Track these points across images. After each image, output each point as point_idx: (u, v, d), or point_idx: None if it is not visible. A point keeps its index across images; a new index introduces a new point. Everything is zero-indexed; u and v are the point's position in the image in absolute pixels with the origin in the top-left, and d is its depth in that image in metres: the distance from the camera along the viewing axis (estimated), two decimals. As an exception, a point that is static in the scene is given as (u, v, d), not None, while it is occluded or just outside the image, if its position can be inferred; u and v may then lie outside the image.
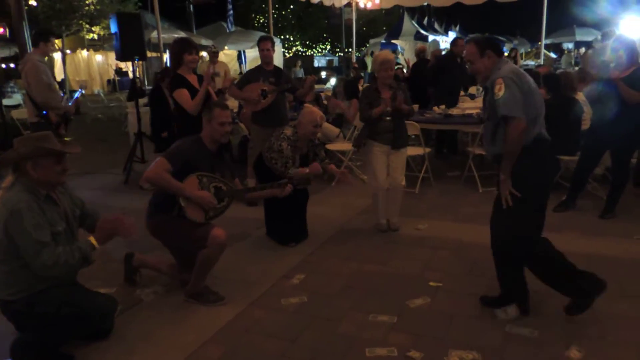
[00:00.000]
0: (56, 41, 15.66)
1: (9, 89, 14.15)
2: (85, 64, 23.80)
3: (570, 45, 24.77)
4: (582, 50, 19.23)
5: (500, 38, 24.03)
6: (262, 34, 18.87)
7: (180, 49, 4.33)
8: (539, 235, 3.11)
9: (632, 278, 3.53)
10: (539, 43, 25.47)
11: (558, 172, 5.56)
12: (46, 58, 5.57)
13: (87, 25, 15.71)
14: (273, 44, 5.36)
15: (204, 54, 12.91)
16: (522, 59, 26.99)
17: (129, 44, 6.54)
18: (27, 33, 5.51)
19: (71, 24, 15.48)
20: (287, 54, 29.74)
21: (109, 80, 23.84)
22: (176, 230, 3.29)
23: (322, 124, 4.24)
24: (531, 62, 21.67)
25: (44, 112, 5.30)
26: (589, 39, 21.57)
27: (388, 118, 4.31)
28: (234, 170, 3.64)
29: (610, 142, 4.67)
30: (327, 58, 36.78)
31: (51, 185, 2.60)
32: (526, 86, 2.85)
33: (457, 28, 29.00)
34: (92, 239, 2.58)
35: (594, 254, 3.90)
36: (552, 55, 25.57)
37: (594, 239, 4.24)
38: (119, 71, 23.31)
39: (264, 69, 5.40)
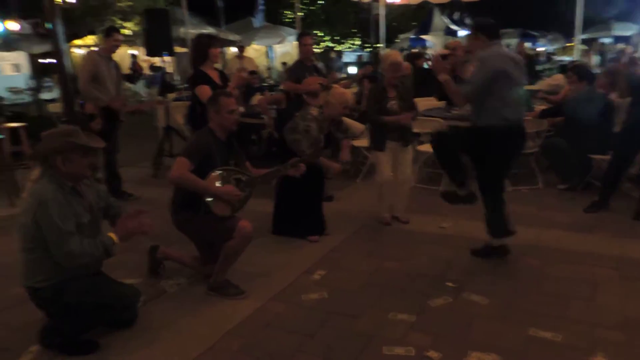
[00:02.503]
0: (92, 37, 16.07)
1: (46, 84, 14.56)
2: (121, 59, 24.28)
3: (608, 41, 23.93)
4: (620, 46, 18.62)
5: (533, 33, 23.40)
6: (289, 29, 18.90)
7: (208, 43, 4.37)
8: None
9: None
10: (573, 38, 24.77)
11: (589, 172, 5.43)
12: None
13: (120, 22, 16.01)
14: (313, 39, 5.49)
15: (233, 49, 13.04)
16: (556, 55, 26.32)
17: (157, 40, 6.65)
18: (61, 29, 5.61)
19: (104, 20, 15.81)
20: (316, 50, 29.68)
21: (163, 75, 24.18)
22: (203, 225, 3.34)
23: (351, 106, 4.27)
24: (567, 58, 21.08)
25: (81, 102, 5.43)
26: (627, 33, 20.82)
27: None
28: (244, 155, 3.66)
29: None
30: (357, 53, 36.56)
31: (78, 178, 2.67)
32: (491, 72, 3.39)
33: (491, 23, 28.37)
34: (113, 235, 2.64)
35: (623, 257, 3.79)
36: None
37: (625, 241, 4.11)
38: (152, 67, 23.70)
39: (305, 65, 5.45)
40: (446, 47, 10.89)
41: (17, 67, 17.23)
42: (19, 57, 17.00)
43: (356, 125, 6.89)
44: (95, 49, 5.56)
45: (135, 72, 16.61)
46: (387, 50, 4.93)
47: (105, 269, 3.19)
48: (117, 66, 5.51)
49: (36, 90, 12.46)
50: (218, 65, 4.76)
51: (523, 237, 4.19)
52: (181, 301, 3.33)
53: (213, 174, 3.21)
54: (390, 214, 4.70)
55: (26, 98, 13.06)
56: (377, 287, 3.48)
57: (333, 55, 12.26)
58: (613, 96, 5.26)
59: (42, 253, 2.57)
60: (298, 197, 4.29)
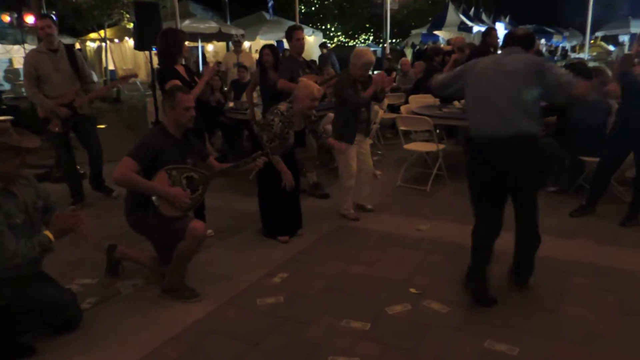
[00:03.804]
0: (100, 31, 16.12)
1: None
2: (132, 53, 24.40)
3: (626, 38, 23.29)
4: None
5: (548, 29, 22.89)
6: (296, 24, 18.74)
7: (181, 38, 4.26)
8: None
9: (638, 295, 3.22)
10: (594, 35, 24.14)
11: (581, 174, 5.22)
12: (52, 45, 4.79)
13: (128, 15, 16.04)
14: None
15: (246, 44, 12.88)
16: (574, 51, 25.72)
17: (147, 33, 6.56)
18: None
19: (112, 13, 15.84)
20: (329, 45, 29.51)
21: (154, 69, 24.29)
22: (155, 225, 3.24)
23: (319, 97, 4.12)
24: (584, 55, 20.56)
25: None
26: (646, 30, 20.21)
27: (363, 108, 4.54)
28: (205, 150, 3.55)
29: (634, 144, 4.31)
30: (371, 48, 36.32)
31: (10, 178, 2.59)
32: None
33: (507, 19, 27.88)
34: (48, 233, 2.56)
35: (600, 265, 3.61)
36: (611, 47, 24.13)
37: (605, 249, 3.91)
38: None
39: (297, 60, 5.32)
40: (448, 43, 10.68)
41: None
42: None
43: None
44: (36, 47, 5.03)
45: None
46: (362, 48, 4.79)
47: (64, 268, 3.13)
48: (70, 56, 4.91)
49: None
50: (212, 59, 4.66)
51: (499, 242, 4.02)
52: (133, 303, 3.24)
53: (160, 173, 3.10)
54: (354, 209, 4.78)
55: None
56: (337, 292, 3.35)
57: (324, 51, 11.84)
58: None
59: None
60: (271, 196, 4.19)
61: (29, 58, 4.85)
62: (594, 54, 22.00)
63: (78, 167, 6.13)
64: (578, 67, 5.50)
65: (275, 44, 20.50)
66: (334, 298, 3.26)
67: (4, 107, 8.50)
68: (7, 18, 11.94)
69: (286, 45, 17.63)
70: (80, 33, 19.19)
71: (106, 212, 4.84)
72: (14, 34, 12.60)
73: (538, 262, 3.57)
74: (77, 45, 20.32)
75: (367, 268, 3.69)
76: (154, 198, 3.07)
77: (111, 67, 19.70)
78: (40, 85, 4.79)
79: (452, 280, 3.46)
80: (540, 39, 17.11)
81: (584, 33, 21.70)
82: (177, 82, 4.15)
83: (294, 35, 5.32)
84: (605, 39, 25.76)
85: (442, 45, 18.75)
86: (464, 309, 3.07)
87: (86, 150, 5.27)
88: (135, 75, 6.17)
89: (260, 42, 18.89)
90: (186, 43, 4.28)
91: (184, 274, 3.36)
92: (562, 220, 4.48)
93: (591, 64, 13.56)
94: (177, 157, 3.24)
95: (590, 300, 3.13)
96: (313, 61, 5.60)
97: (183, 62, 4.34)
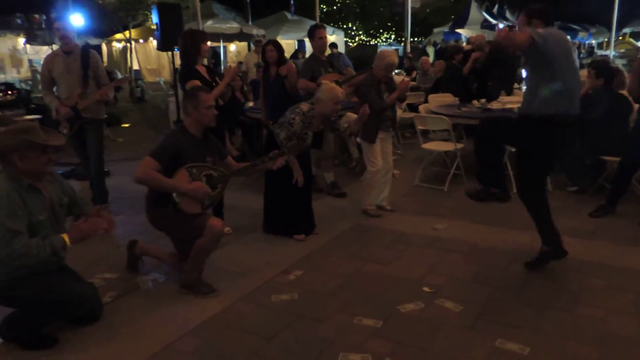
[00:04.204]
0: (125, 32, 16.38)
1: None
2: (156, 53, 24.77)
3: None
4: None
5: (574, 27, 22.44)
6: (314, 22, 18.73)
7: (199, 38, 4.35)
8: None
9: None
10: (622, 31, 23.53)
11: (602, 174, 5.14)
12: (69, 47, 4.77)
13: (152, 16, 16.32)
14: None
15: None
16: (601, 48, 25.16)
17: (169, 34, 6.70)
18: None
19: (137, 14, 16.13)
20: (350, 44, 29.48)
21: (176, 69, 24.61)
22: (174, 222, 3.33)
23: (342, 100, 4.18)
24: (610, 52, 20.13)
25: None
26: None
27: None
28: (224, 149, 3.61)
29: None
30: (393, 47, 36.12)
31: (37, 175, 2.69)
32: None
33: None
34: (66, 237, 2.63)
35: (618, 266, 3.56)
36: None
37: (624, 250, 3.86)
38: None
39: (320, 59, 5.36)
40: (469, 42, 10.58)
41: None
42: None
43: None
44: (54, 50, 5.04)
45: None
46: (385, 50, 4.83)
47: (86, 262, 3.21)
48: (84, 57, 4.82)
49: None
50: (235, 59, 4.74)
51: (516, 241, 4.04)
52: (152, 298, 3.33)
53: (181, 171, 3.18)
54: (374, 205, 4.82)
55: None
56: (351, 290, 3.38)
57: (334, 51, 11.02)
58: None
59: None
60: (285, 195, 4.24)
61: (45, 60, 4.94)
62: (622, 50, 21.46)
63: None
64: (598, 66, 5.43)
65: (296, 43, 20.70)
66: (347, 296, 3.30)
67: (33, 106, 8.76)
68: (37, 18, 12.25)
69: (308, 44, 17.50)
70: (106, 34, 19.60)
71: (128, 209, 4.96)
72: (43, 35, 12.95)
73: (555, 262, 3.56)
74: (104, 46, 20.78)
75: (381, 267, 3.71)
76: (174, 195, 3.16)
77: (136, 67, 20.06)
78: (56, 87, 4.84)
79: (467, 279, 3.47)
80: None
81: (610, 29, 21.27)
82: (197, 83, 4.23)
83: (316, 34, 5.36)
84: (634, 35, 25.14)
85: (463, 44, 18.60)
86: (477, 308, 3.08)
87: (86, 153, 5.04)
88: (129, 79, 6.33)
89: (282, 41, 19.07)
90: (208, 43, 4.35)
91: (202, 270, 3.44)
92: (582, 221, 4.43)
93: (618, 61, 13.31)
94: (197, 156, 3.32)
95: (607, 302, 3.10)
96: (329, 58, 5.58)
97: (205, 63, 4.41)
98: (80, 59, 4.84)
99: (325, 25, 5.96)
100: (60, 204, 2.83)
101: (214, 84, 4.23)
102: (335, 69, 5.44)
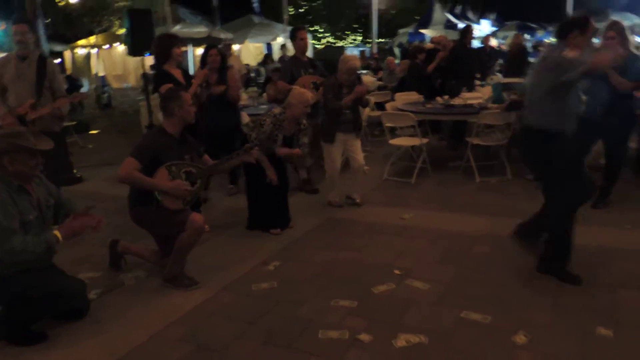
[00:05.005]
0: (90, 38, 16.22)
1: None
2: (121, 59, 24.51)
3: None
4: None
5: (532, 25, 23.25)
6: (283, 26, 18.82)
7: (169, 43, 4.50)
8: None
9: (601, 268, 3.51)
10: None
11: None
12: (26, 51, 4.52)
13: (117, 22, 16.25)
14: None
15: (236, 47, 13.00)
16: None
17: (140, 40, 6.79)
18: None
19: (102, 20, 16.04)
20: (317, 46, 29.72)
21: (143, 74, 24.38)
22: (157, 219, 3.47)
23: (312, 103, 4.40)
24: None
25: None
26: (626, 23, 20.57)
27: (347, 111, 4.77)
28: (200, 147, 3.75)
29: (601, 132, 4.59)
30: (360, 49, 36.55)
31: (26, 177, 2.82)
32: None
33: (495, 16, 28.23)
34: (58, 233, 2.77)
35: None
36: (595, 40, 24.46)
37: (584, 229, 4.18)
38: (153, 66, 23.85)
39: (300, 60, 5.50)
40: (432, 41, 10.95)
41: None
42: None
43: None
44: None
45: None
46: (347, 55, 5.09)
47: (68, 263, 3.32)
48: (40, 66, 4.57)
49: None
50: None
51: (478, 225, 4.32)
52: (136, 293, 3.47)
53: (161, 169, 3.34)
54: (340, 198, 5.06)
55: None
56: (327, 276, 3.60)
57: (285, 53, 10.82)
58: None
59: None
60: (262, 192, 4.43)
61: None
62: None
63: (75, 170, 6.32)
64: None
65: (265, 47, 20.85)
66: (324, 281, 3.51)
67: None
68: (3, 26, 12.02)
69: (274, 47, 17.43)
70: (71, 40, 19.38)
71: (108, 211, 5.04)
72: (9, 42, 12.77)
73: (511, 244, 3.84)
74: (67, 53, 20.49)
75: (354, 254, 3.94)
76: (156, 193, 3.31)
77: (101, 73, 19.85)
78: (6, 93, 4.54)
79: (433, 261, 3.73)
80: (524, 34, 17.39)
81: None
82: (171, 86, 4.39)
83: (297, 35, 5.55)
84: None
85: (425, 44, 19.07)
86: (443, 286, 3.34)
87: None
88: (86, 96, 6.07)
89: (249, 45, 19.16)
90: (182, 48, 4.51)
91: (184, 264, 3.59)
92: (540, 204, 4.75)
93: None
94: (175, 155, 3.48)
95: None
96: (312, 59, 5.73)
97: (180, 66, 4.56)
98: (35, 67, 4.56)
99: (305, 27, 6.13)
100: (47, 205, 2.96)
101: (189, 87, 4.39)
102: (317, 70, 5.54)
